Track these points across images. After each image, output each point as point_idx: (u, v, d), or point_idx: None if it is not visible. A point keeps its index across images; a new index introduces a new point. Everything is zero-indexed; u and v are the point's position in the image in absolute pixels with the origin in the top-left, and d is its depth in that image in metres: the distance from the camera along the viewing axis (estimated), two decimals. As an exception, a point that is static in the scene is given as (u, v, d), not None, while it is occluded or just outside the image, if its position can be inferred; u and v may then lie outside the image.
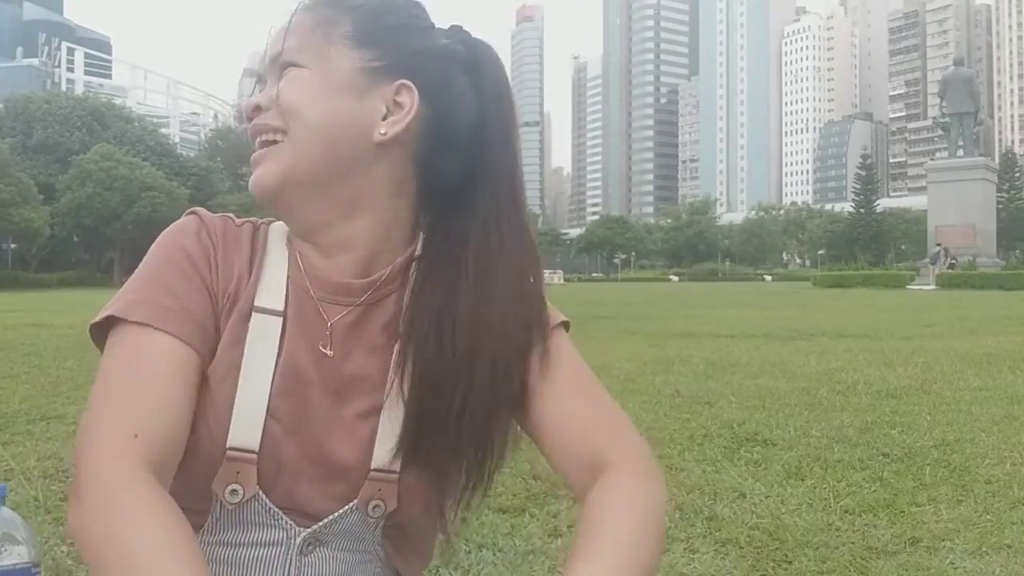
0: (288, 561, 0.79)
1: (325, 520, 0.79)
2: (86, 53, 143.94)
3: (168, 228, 0.84)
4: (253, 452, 0.76)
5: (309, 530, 0.79)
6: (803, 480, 3.04)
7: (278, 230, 0.86)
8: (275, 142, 0.78)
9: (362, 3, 0.81)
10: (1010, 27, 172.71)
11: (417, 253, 0.84)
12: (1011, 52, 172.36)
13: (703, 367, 6.29)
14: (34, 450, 3.27)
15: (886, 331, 9.79)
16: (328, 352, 0.81)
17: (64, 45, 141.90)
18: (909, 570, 2.18)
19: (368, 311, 0.82)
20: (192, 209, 0.86)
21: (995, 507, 2.68)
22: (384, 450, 0.79)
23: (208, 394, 0.77)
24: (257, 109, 0.79)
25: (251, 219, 0.88)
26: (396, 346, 0.80)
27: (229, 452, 0.76)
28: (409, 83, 0.79)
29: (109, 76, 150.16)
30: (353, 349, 0.82)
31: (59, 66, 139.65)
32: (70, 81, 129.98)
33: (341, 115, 0.78)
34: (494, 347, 0.78)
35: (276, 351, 0.79)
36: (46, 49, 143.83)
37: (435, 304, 0.79)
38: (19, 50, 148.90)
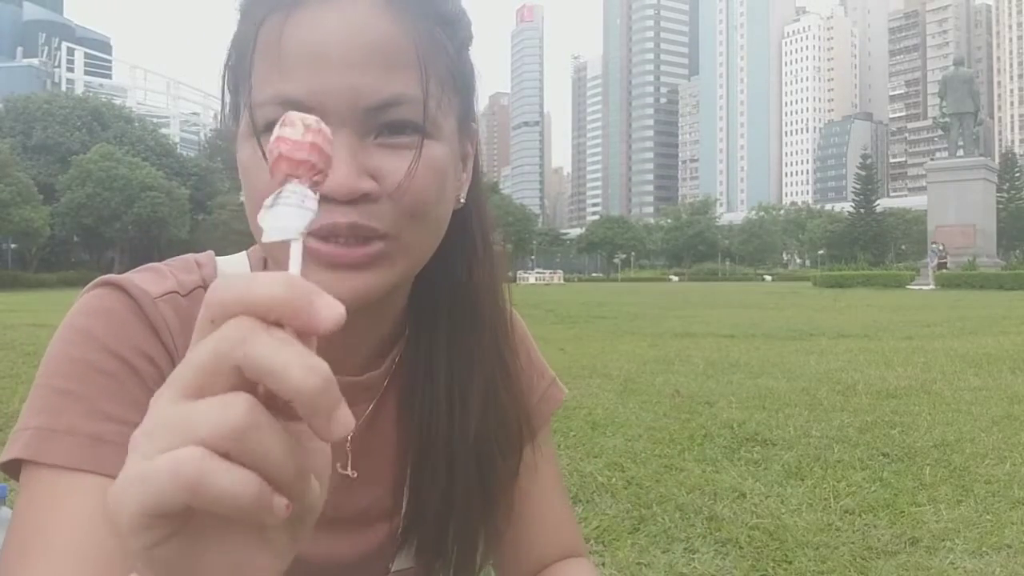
0: None
1: None
2: (86, 53, 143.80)
3: (78, 310, 0.59)
4: None
5: None
6: (803, 480, 3.04)
7: None
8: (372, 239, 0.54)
9: (452, 7, 0.57)
10: (1010, 27, 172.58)
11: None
12: (1011, 52, 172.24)
13: (703, 367, 6.29)
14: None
15: (886, 331, 9.79)
16: (351, 473, 0.66)
17: (64, 45, 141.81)
18: (909, 570, 2.18)
19: (376, 411, 0.68)
20: (108, 279, 0.60)
21: (995, 507, 2.68)
22: (406, 553, 0.71)
23: None
24: (365, 196, 0.53)
25: (199, 283, 0.62)
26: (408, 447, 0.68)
27: None
28: (475, 125, 0.62)
29: (109, 76, 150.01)
30: (367, 460, 0.67)
31: (59, 66, 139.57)
32: (70, 81, 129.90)
33: (451, 200, 0.59)
34: (498, 437, 0.69)
35: None
36: (46, 49, 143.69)
37: (442, 391, 0.66)
38: (19, 50, 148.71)
